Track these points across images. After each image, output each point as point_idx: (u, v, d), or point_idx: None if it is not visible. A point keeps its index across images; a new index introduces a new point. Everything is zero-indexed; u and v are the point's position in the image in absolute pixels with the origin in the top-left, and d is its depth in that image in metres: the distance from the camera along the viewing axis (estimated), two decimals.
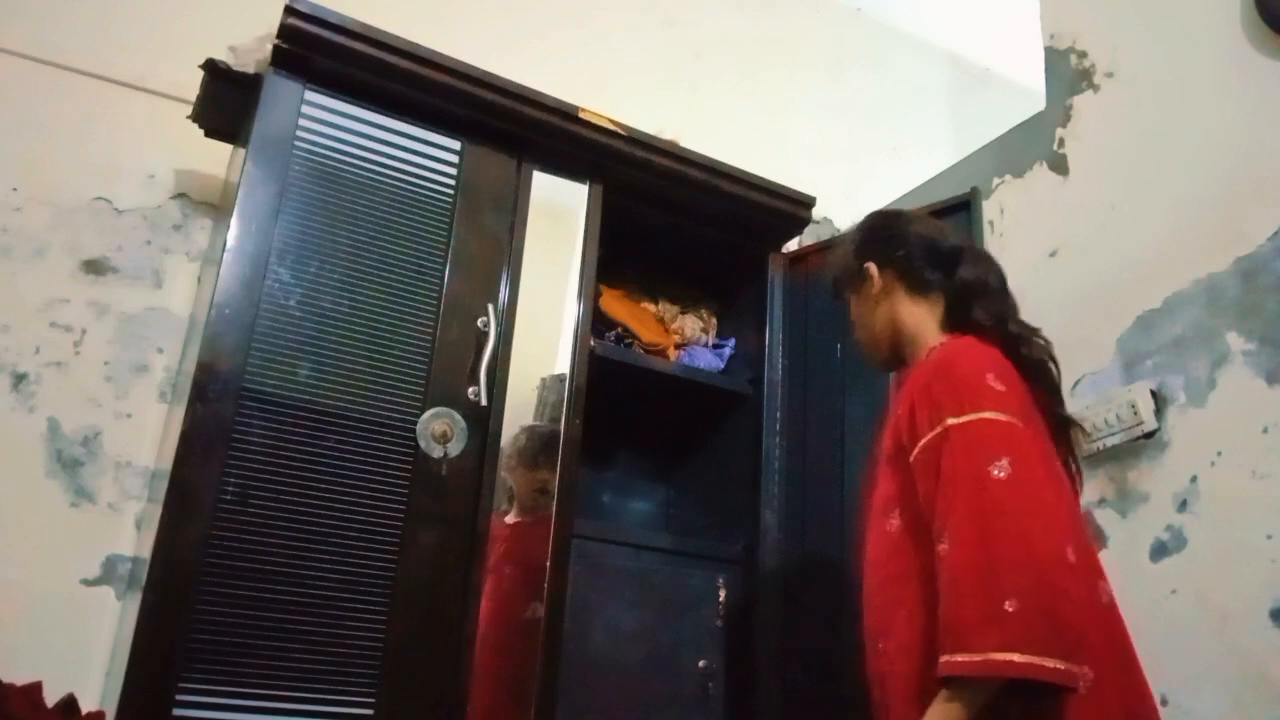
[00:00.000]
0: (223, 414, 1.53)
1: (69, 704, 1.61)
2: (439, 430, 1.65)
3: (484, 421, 1.72)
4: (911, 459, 1.25)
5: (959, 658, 1.06)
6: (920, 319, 1.41)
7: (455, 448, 1.66)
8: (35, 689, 1.60)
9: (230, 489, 1.51)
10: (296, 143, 1.73)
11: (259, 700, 1.46)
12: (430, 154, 1.86)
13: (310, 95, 1.77)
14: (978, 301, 1.37)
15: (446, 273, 1.79)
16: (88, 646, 1.78)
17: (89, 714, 1.53)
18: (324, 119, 1.77)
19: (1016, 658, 1.02)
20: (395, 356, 1.70)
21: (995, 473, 1.12)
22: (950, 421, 1.19)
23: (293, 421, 1.59)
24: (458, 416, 1.67)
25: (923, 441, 1.22)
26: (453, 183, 1.86)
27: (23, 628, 1.76)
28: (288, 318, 1.64)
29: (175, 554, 1.46)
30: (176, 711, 1.41)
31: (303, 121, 1.75)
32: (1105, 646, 1.17)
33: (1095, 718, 1.11)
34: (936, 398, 1.22)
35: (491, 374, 1.74)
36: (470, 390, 1.70)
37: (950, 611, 1.10)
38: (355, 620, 1.56)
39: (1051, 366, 1.36)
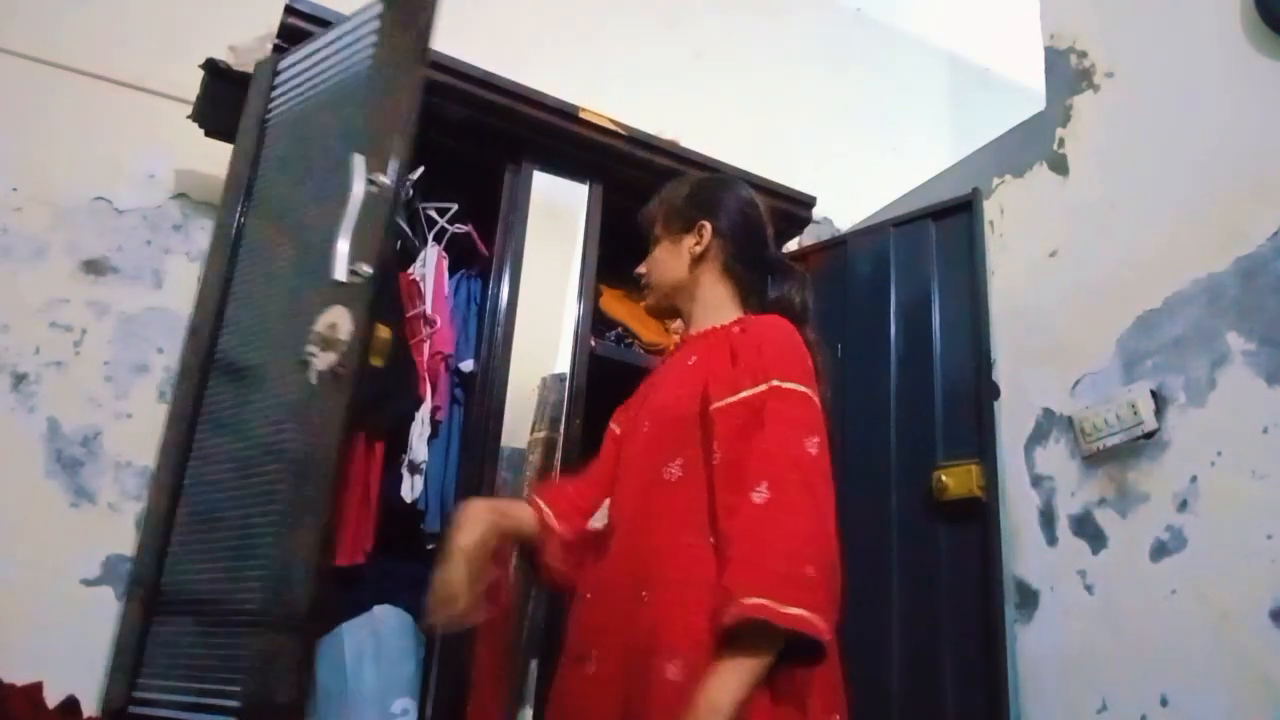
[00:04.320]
0: None
1: (69, 704, 1.61)
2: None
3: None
4: (715, 408, 1.25)
5: (782, 608, 1.07)
6: (721, 297, 1.42)
7: None
8: (35, 689, 1.61)
9: None
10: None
11: None
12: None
13: None
14: (786, 314, 1.40)
15: None
16: (88, 646, 1.78)
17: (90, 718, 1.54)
18: None
19: (817, 620, 1.07)
20: None
21: (809, 448, 1.18)
22: (776, 383, 1.22)
23: None
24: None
25: (742, 395, 1.23)
26: None
27: (23, 628, 1.76)
28: None
29: None
30: None
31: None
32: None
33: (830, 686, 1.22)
34: (765, 359, 1.25)
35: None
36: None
37: (759, 564, 1.11)
38: None
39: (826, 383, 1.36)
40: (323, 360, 1.37)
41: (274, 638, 1.29)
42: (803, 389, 1.22)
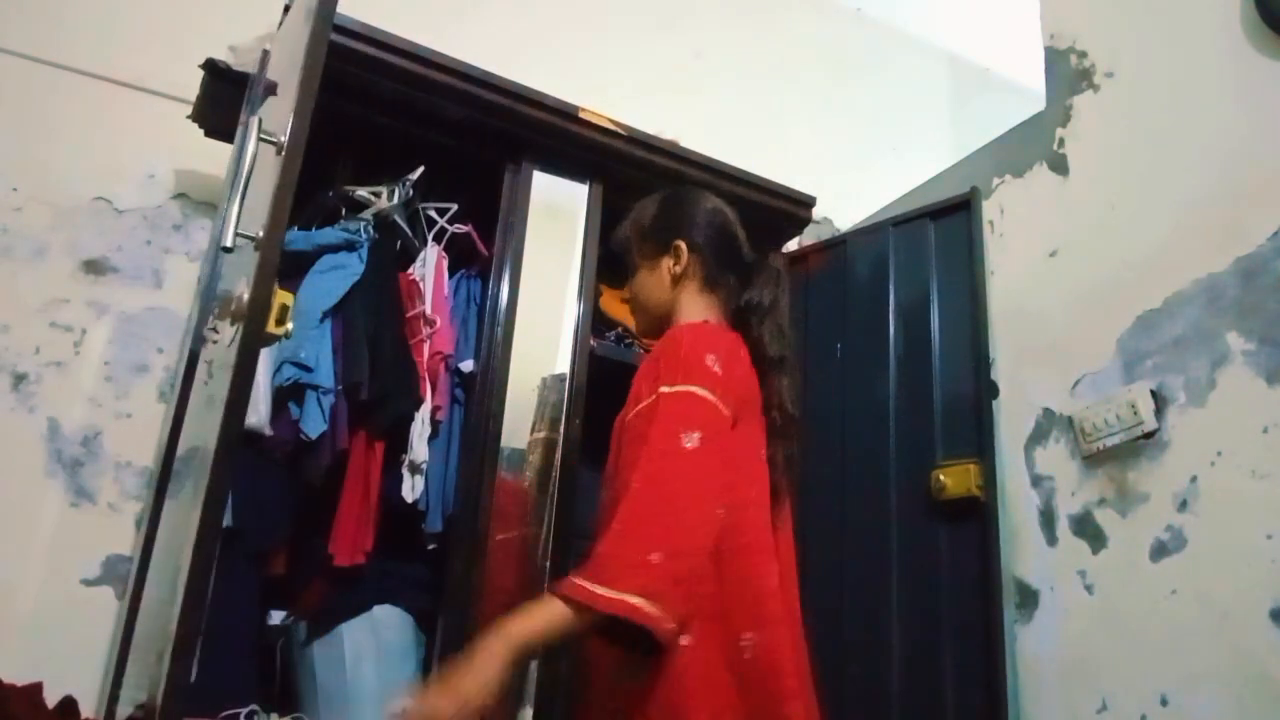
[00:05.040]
0: None
1: (69, 705, 1.61)
2: None
3: None
4: (627, 421, 1.33)
5: (598, 590, 1.12)
6: (704, 308, 1.45)
7: None
8: (35, 689, 1.61)
9: None
10: None
11: None
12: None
13: None
14: (753, 314, 1.44)
15: None
16: (88, 646, 1.78)
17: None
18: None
19: (646, 607, 1.11)
20: None
21: (685, 442, 1.21)
22: (664, 389, 1.27)
23: None
24: None
25: (640, 407, 1.31)
26: None
27: (23, 628, 1.76)
28: None
29: None
30: None
31: None
32: (781, 618, 1.27)
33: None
34: (661, 369, 1.30)
35: None
36: None
37: (606, 549, 1.16)
38: None
39: (788, 371, 1.42)
40: (226, 335, 1.31)
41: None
42: (689, 388, 1.25)
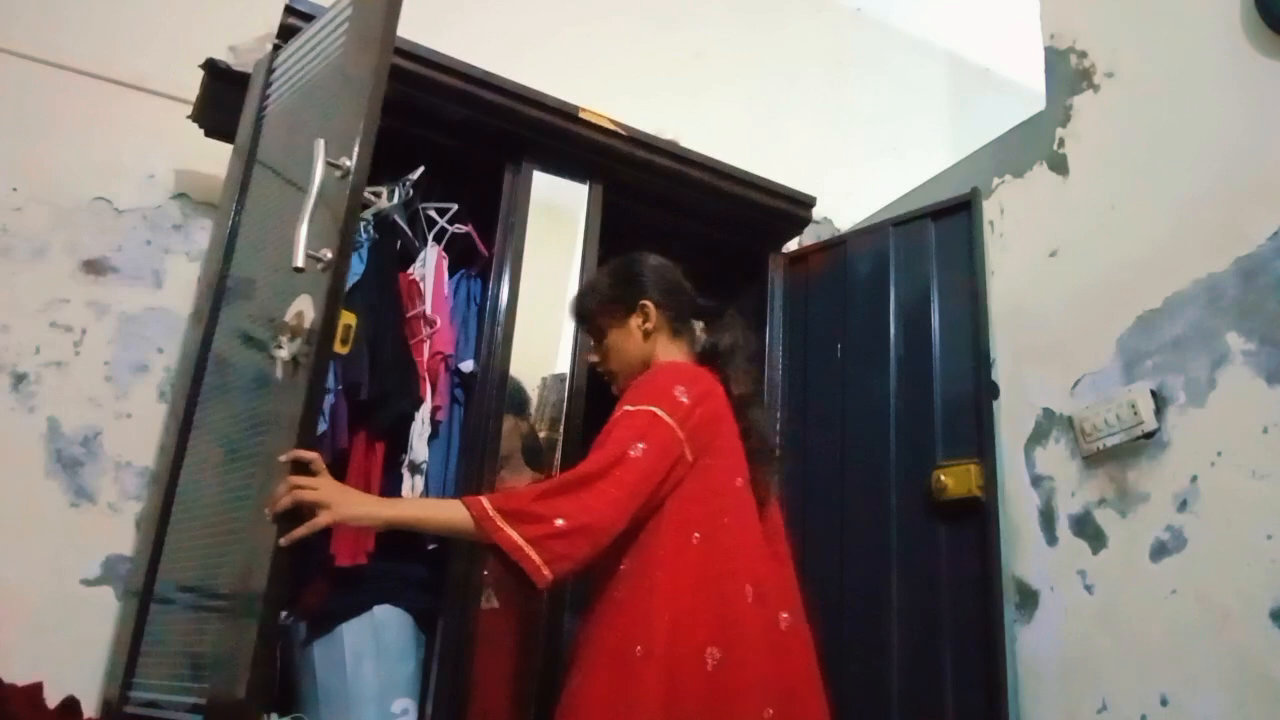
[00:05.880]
0: None
1: (69, 704, 1.61)
2: None
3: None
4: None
5: (501, 523, 1.28)
6: (675, 354, 1.58)
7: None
8: (35, 689, 1.61)
9: None
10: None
11: None
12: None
13: None
14: (717, 357, 1.58)
15: None
16: (88, 646, 1.78)
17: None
18: None
19: (531, 553, 1.27)
20: None
21: (631, 451, 1.34)
22: (626, 408, 1.41)
23: None
24: None
25: (610, 421, 1.43)
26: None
27: (23, 628, 1.76)
28: None
29: None
30: None
31: None
32: (745, 639, 1.34)
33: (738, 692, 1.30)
34: (630, 395, 1.45)
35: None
36: None
37: (527, 497, 1.32)
38: None
39: (757, 405, 1.58)
40: (288, 350, 1.37)
41: (234, 631, 1.29)
42: (650, 408, 1.39)
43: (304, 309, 1.39)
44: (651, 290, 1.59)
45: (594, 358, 1.68)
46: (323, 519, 1.27)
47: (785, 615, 1.42)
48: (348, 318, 1.49)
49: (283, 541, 1.25)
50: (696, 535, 1.37)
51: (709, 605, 1.33)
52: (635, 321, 1.58)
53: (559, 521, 1.28)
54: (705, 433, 1.43)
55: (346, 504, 1.30)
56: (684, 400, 1.41)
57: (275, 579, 1.26)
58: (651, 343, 1.58)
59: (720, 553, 1.38)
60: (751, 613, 1.36)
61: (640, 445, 1.35)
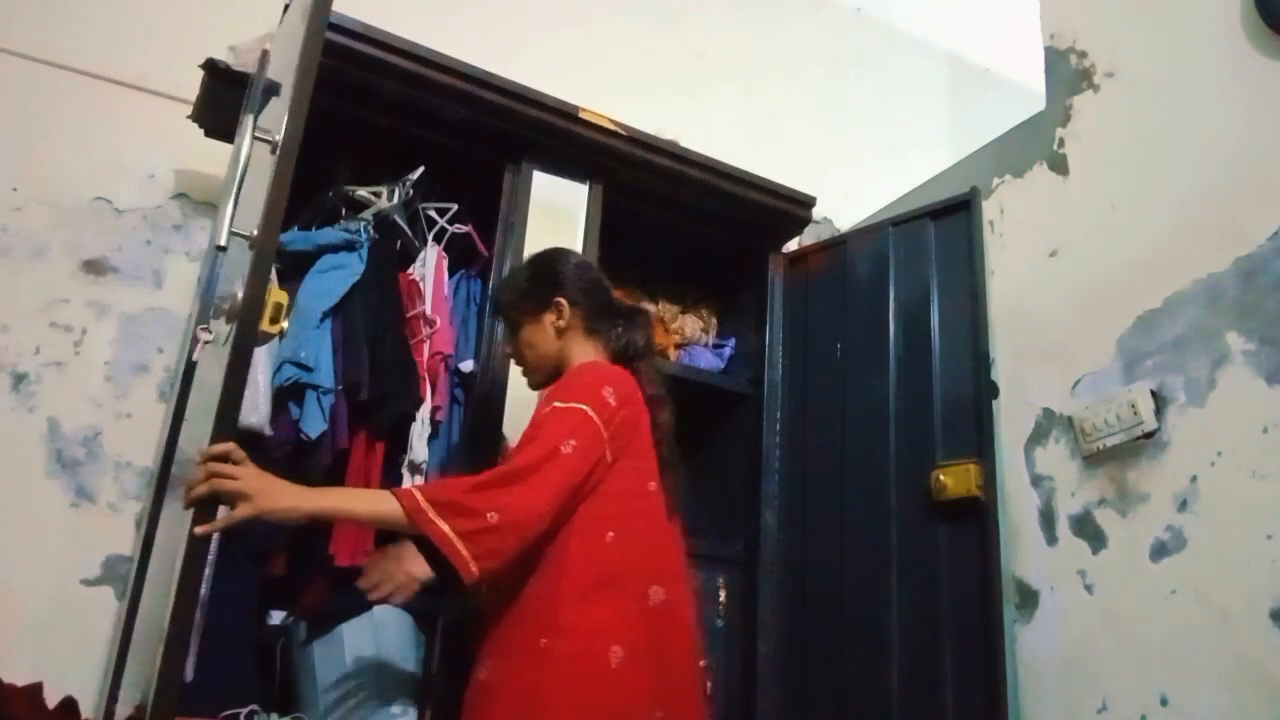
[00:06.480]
0: None
1: (69, 705, 1.61)
2: None
3: None
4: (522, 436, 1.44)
5: (433, 516, 1.28)
6: (590, 352, 1.58)
7: None
8: (35, 689, 1.61)
9: None
10: None
11: None
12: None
13: None
14: (638, 357, 1.59)
15: None
16: (88, 646, 1.78)
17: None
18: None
19: (460, 546, 1.27)
20: None
21: (563, 448, 1.35)
22: (557, 404, 1.42)
23: None
24: None
25: (534, 417, 1.44)
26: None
27: (23, 628, 1.76)
28: None
29: None
30: None
31: None
32: (648, 640, 1.37)
33: (630, 688, 1.33)
34: (558, 391, 1.46)
35: None
36: None
37: (458, 489, 1.32)
38: None
39: (666, 407, 1.56)
40: (215, 332, 1.33)
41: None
42: (580, 406, 1.40)
43: (239, 290, 1.32)
44: (568, 287, 1.60)
45: (507, 349, 1.68)
46: (242, 511, 1.24)
47: (689, 620, 1.46)
48: (278, 295, 1.42)
49: (197, 531, 1.22)
50: (610, 534, 1.39)
51: (616, 604, 1.35)
52: (549, 318, 1.59)
53: (491, 516, 1.28)
54: (625, 435, 1.44)
55: (267, 496, 1.26)
56: (611, 401, 1.42)
57: (189, 569, 1.20)
58: (565, 340, 1.58)
59: (632, 552, 1.40)
60: (657, 614, 1.38)
61: (571, 442, 1.35)
